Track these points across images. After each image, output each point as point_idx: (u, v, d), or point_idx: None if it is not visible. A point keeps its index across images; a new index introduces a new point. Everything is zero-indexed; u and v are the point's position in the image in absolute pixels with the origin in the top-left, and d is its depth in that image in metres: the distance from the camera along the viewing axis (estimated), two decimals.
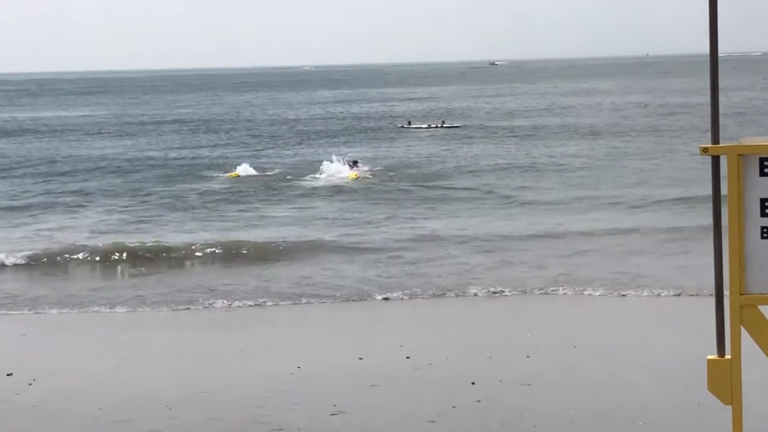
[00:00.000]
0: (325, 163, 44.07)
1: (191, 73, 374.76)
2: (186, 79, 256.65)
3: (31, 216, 33.53)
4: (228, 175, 44.53)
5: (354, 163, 44.03)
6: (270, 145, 60.61)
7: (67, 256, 24.96)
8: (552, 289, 19.49)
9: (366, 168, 43.91)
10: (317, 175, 42.64)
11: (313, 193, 38.29)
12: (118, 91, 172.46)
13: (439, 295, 19.48)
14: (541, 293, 19.28)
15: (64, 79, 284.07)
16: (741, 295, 6.06)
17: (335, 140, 61.65)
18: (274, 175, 44.28)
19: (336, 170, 42.84)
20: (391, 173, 42.88)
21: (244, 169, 45.13)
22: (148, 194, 38.64)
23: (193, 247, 25.85)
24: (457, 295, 19.43)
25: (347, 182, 40.42)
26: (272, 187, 40.25)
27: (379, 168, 44.52)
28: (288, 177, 43.21)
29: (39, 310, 19.22)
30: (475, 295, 19.35)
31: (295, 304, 19.22)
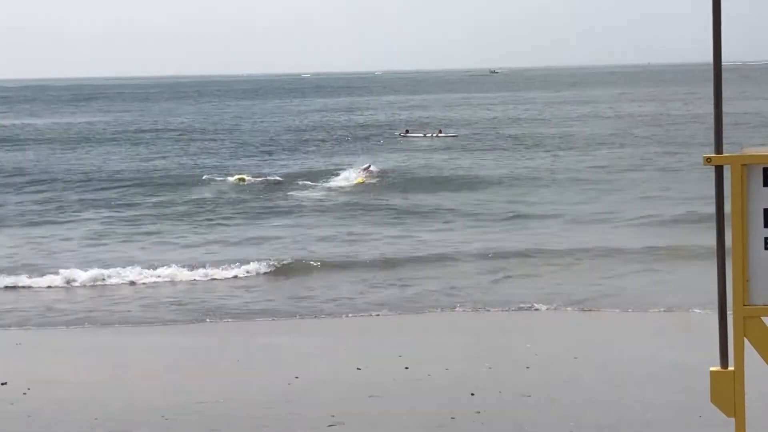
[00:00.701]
0: (338, 170, 45.67)
1: (185, 80, 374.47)
2: (182, 86, 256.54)
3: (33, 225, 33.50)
4: (233, 179, 45.03)
5: (366, 168, 45.48)
6: (270, 153, 60.75)
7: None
8: (550, 304, 19.37)
9: (374, 170, 45.35)
10: (317, 183, 42.98)
11: (317, 200, 38.52)
12: (116, 98, 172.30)
13: (437, 307, 19.39)
14: (540, 305, 19.18)
15: (59, 86, 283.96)
16: (744, 306, 5.97)
17: (335, 149, 61.66)
18: (276, 181, 44.62)
19: (343, 177, 44.15)
20: (394, 181, 43.13)
21: (248, 176, 45.76)
22: (146, 204, 38.60)
23: (195, 257, 25.78)
24: (454, 309, 19.33)
25: (352, 187, 41.30)
26: (275, 195, 40.50)
27: (382, 175, 45.27)
28: (288, 184, 43.52)
29: (38, 322, 19.16)
30: (474, 307, 19.26)
31: (294, 315, 19.13)
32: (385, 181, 43.56)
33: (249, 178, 45.54)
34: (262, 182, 44.45)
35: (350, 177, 44.17)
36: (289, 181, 45.01)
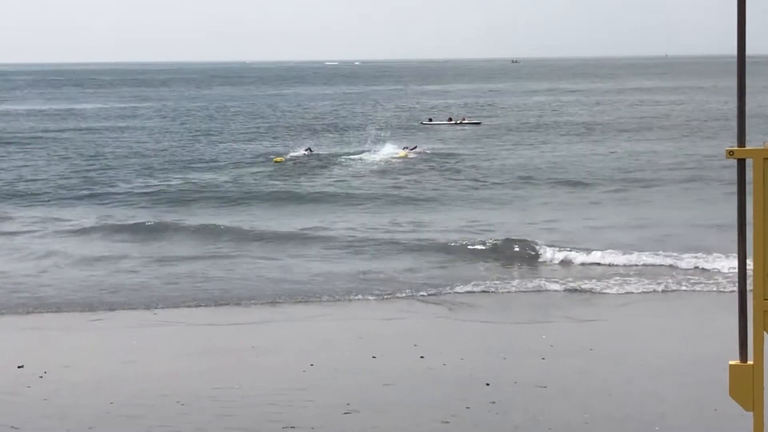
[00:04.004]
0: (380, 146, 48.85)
1: (209, 66, 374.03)
2: (208, 71, 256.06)
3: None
4: (273, 160, 46.52)
5: (413, 148, 48.54)
6: (302, 136, 61.19)
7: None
8: (568, 290, 19.35)
9: (419, 151, 48.17)
10: (363, 156, 46.38)
11: (359, 174, 40.02)
12: (143, 83, 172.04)
13: (453, 293, 19.34)
14: (556, 293, 19.14)
15: (84, 70, 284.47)
16: (765, 300, 5.93)
17: (363, 134, 61.53)
18: (315, 159, 46.53)
19: (387, 153, 47.19)
20: (432, 164, 44.11)
21: (290, 155, 47.79)
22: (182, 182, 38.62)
23: (209, 240, 25.81)
24: (471, 293, 19.29)
25: (397, 161, 44.63)
26: (313, 172, 41.79)
27: (426, 153, 47.57)
28: (326, 164, 45.05)
29: (52, 304, 19.18)
30: (491, 292, 19.23)
31: (309, 301, 19.10)
32: (429, 158, 45.83)
33: (291, 153, 48.06)
34: (300, 160, 46.13)
35: (394, 152, 47.17)
36: (327, 159, 46.90)
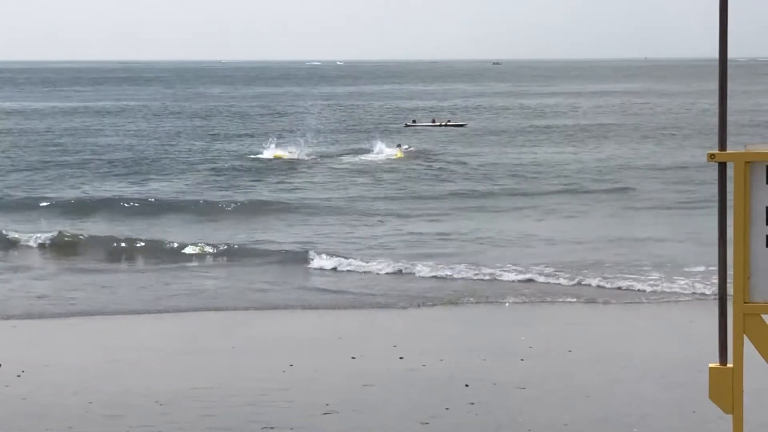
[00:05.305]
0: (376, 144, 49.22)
1: (185, 65, 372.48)
2: (188, 71, 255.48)
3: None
4: (272, 155, 47.05)
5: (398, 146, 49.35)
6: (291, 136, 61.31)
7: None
8: (547, 295, 19.34)
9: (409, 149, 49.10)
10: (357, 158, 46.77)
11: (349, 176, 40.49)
12: (121, 81, 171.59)
13: (435, 298, 19.36)
14: (536, 299, 19.15)
15: (73, 68, 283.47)
16: (745, 303, 5.96)
17: (346, 137, 61.46)
18: (306, 158, 47.33)
19: (382, 153, 47.57)
20: (424, 163, 44.57)
21: (286, 151, 48.18)
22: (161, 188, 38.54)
23: (191, 244, 25.81)
24: (452, 299, 19.30)
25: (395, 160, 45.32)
26: (299, 175, 41.87)
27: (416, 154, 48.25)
28: (317, 162, 45.88)
29: (32, 303, 19.12)
30: (471, 299, 19.24)
31: (290, 306, 19.07)
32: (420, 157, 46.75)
33: (287, 149, 48.40)
34: (293, 158, 46.85)
35: (389, 152, 47.47)
36: (319, 156, 48.02)
